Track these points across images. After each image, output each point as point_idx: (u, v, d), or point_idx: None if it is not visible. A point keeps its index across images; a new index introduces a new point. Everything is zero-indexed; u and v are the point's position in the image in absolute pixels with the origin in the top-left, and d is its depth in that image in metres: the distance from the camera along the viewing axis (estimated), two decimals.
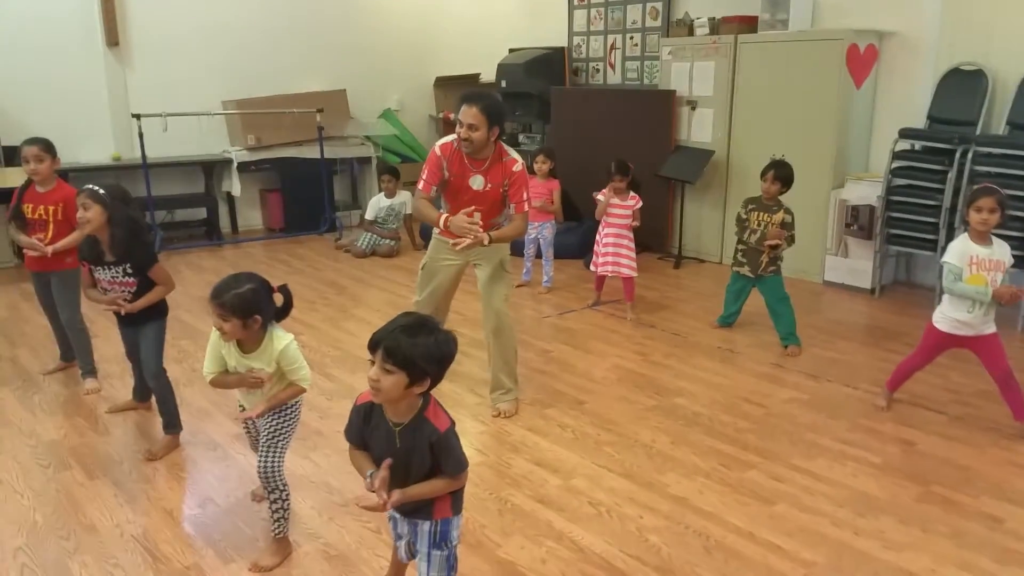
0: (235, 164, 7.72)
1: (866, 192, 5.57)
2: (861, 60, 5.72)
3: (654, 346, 4.73)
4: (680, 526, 2.84)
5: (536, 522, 2.87)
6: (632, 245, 5.24)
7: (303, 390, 2.67)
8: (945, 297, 3.51)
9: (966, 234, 3.47)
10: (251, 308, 2.48)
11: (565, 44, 8.06)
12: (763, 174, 4.58)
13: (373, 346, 1.91)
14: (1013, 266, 3.52)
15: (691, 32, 6.62)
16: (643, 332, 4.97)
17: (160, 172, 7.19)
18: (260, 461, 2.61)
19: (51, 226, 3.93)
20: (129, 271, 3.30)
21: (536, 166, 5.93)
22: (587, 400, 3.95)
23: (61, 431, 3.64)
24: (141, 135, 6.74)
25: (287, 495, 2.64)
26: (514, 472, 3.24)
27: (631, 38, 7.54)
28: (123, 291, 3.34)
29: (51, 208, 3.92)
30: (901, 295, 5.74)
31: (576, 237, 6.68)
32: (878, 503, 2.98)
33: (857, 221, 5.59)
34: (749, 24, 6.25)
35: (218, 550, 2.71)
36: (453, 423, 2.06)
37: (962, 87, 5.33)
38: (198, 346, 4.72)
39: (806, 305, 5.31)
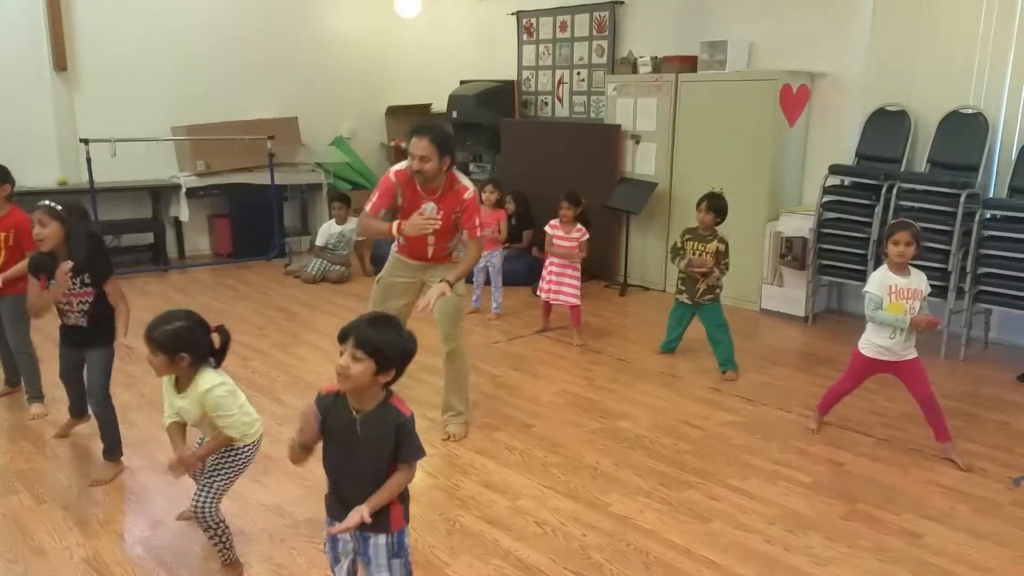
0: (184, 189, 7.70)
1: (799, 224, 5.85)
2: (794, 99, 6.03)
3: (600, 371, 4.88)
4: (622, 543, 2.96)
5: (484, 541, 2.96)
6: (576, 275, 5.41)
7: (227, 440, 2.63)
8: (868, 324, 3.73)
9: (885, 265, 3.70)
10: (178, 345, 2.50)
11: (515, 77, 8.28)
12: (698, 205, 4.81)
13: (343, 336, 2.05)
14: (931, 295, 3.76)
15: (635, 70, 6.88)
16: (589, 358, 5.12)
17: (107, 197, 7.14)
18: (194, 498, 2.63)
19: (2, 251, 3.92)
20: (87, 281, 3.32)
21: (484, 196, 6.08)
22: (535, 423, 4.07)
23: (7, 456, 3.61)
24: (89, 160, 6.70)
25: (223, 529, 2.67)
26: (463, 494, 3.33)
27: (578, 74, 7.79)
28: (79, 302, 3.34)
29: (2, 235, 3.91)
30: (833, 323, 6.01)
31: (523, 264, 6.83)
32: (807, 520, 3.15)
33: (791, 252, 5.86)
34: (689, 63, 6.53)
35: (170, 571, 2.74)
36: (413, 415, 2.15)
37: (887, 126, 5.66)
38: (144, 370, 4.65)
39: (744, 331, 5.53)
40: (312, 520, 3.08)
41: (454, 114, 7.93)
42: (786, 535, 3.04)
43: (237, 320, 5.89)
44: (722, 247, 4.77)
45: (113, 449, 3.49)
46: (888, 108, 5.67)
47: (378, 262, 7.48)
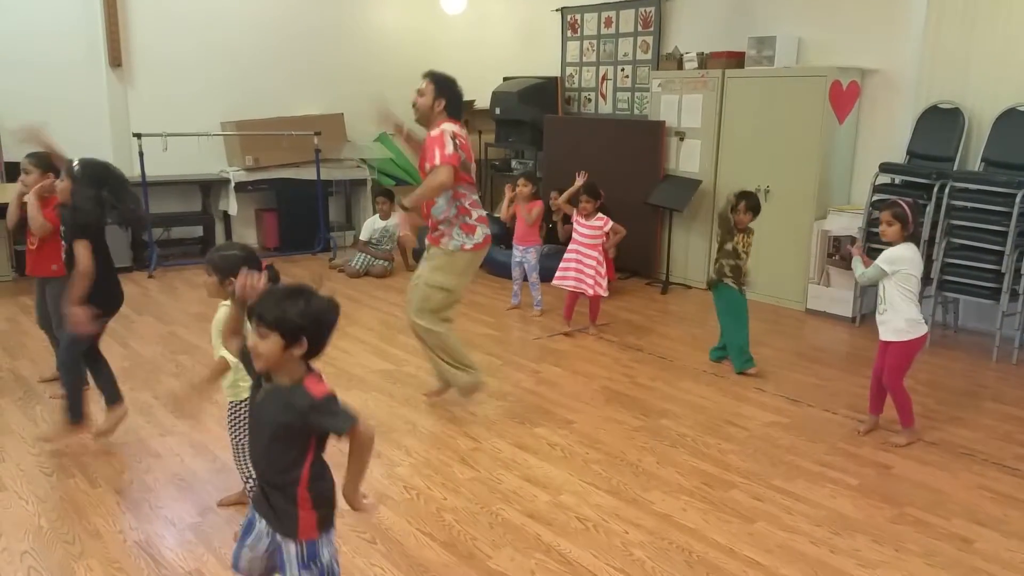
0: (232, 184, 7.85)
1: (847, 223, 5.75)
2: (844, 96, 5.93)
3: (641, 369, 4.86)
4: (664, 541, 2.95)
5: (526, 535, 2.98)
6: (598, 266, 5.38)
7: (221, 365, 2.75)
8: None
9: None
10: (229, 269, 2.61)
11: (558, 74, 8.27)
12: (733, 208, 4.60)
13: (248, 316, 1.94)
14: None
15: (680, 66, 6.83)
16: (630, 355, 5.10)
17: (159, 190, 7.30)
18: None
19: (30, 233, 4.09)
20: (63, 234, 3.51)
21: (518, 188, 6.10)
22: (575, 420, 4.07)
23: (63, 441, 3.72)
24: (141, 154, 6.86)
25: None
26: (504, 487, 3.35)
27: (622, 70, 7.75)
28: (64, 248, 3.50)
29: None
30: None
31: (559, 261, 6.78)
32: (854, 523, 3.10)
33: (839, 251, 5.77)
34: (736, 59, 6.46)
35: (219, 556, 2.80)
36: (334, 394, 1.97)
37: (940, 124, 5.54)
38: (195, 360, 4.82)
39: (789, 332, 5.47)
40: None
41: (497, 111, 7.96)
42: (832, 537, 3.00)
43: None
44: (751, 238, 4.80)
45: (69, 411, 3.56)
46: (941, 105, 5.55)
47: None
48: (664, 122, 6.90)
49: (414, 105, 3.86)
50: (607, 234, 5.47)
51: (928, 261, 5.27)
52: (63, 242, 3.52)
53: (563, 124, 7.89)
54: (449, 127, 3.82)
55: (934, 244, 5.26)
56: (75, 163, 3.47)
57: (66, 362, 3.58)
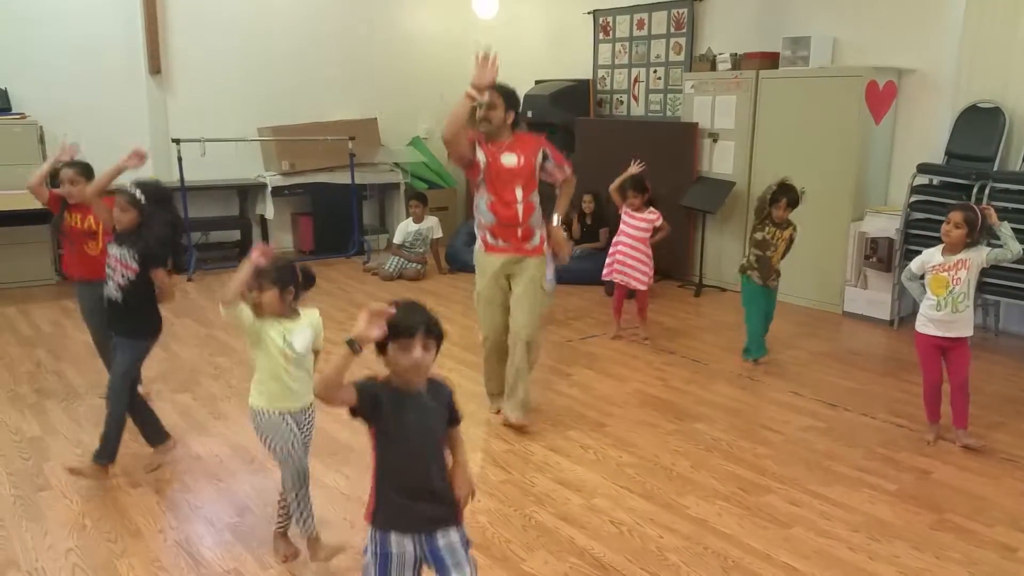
0: (269, 188, 7.96)
1: (885, 225, 5.67)
2: (880, 96, 5.85)
3: (674, 372, 4.83)
4: (699, 547, 2.94)
5: (559, 538, 2.98)
6: (648, 260, 5.35)
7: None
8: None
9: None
10: (288, 280, 2.72)
11: (590, 76, 8.26)
12: (772, 202, 4.65)
13: (408, 333, 2.05)
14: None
15: (713, 67, 6.78)
16: (663, 358, 5.08)
17: (197, 195, 7.43)
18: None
19: (100, 237, 4.08)
20: (135, 258, 3.34)
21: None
22: (608, 423, 4.07)
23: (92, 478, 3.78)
24: (180, 159, 6.99)
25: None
26: (537, 490, 3.36)
27: (654, 71, 7.72)
28: (122, 272, 3.37)
29: (90, 217, 4.02)
30: None
31: (597, 264, 6.78)
32: (893, 529, 3.06)
33: (876, 253, 5.69)
34: (771, 60, 6.40)
35: (256, 556, 2.85)
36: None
37: (980, 124, 5.44)
38: (233, 362, 4.90)
39: (826, 335, 5.41)
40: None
41: (529, 113, 7.95)
42: (871, 543, 2.96)
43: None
44: (794, 234, 4.79)
45: (107, 453, 3.35)
46: (981, 105, 5.45)
47: (454, 260, 7.63)
48: (697, 123, 6.86)
49: (487, 119, 3.91)
50: (656, 228, 5.42)
51: None
52: (134, 266, 3.37)
53: (595, 126, 7.88)
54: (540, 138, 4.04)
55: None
56: (135, 190, 3.35)
57: (115, 388, 3.38)
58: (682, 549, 2.91)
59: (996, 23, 5.36)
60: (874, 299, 5.82)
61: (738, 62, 6.60)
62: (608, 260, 5.47)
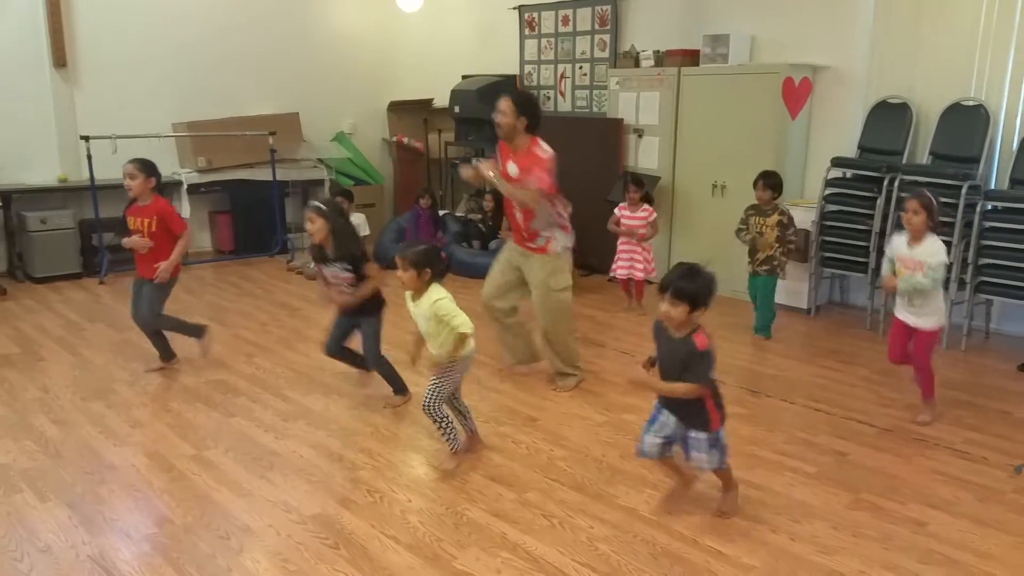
0: (185, 186, 7.69)
1: (802, 217, 5.83)
2: (796, 92, 6.02)
3: (604, 364, 4.88)
4: (628, 535, 2.97)
5: (491, 534, 2.97)
6: (646, 253, 5.91)
7: (462, 337, 3.38)
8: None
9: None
10: (424, 262, 3.38)
11: (517, 72, 8.27)
12: (754, 184, 5.16)
13: (662, 289, 2.85)
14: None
15: (637, 64, 6.87)
16: (593, 351, 5.11)
17: (109, 194, 7.11)
18: (425, 397, 3.42)
19: (146, 236, 4.39)
20: (347, 267, 3.98)
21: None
22: (540, 417, 4.08)
23: (10, 454, 3.61)
24: (90, 157, 6.70)
25: (447, 422, 3.46)
26: (470, 487, 3.34)
27: (580, 68, 7.78)
28: (342, 284, 4.02)
29: (146, 220, 4.38)
30: (835, 314, 6.01)
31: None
32: (813, 510, 3.15)
33: (794, 244, 5.83)
34: (692, 57, 6.52)
35: (178, 568, 2.74)
36: (710, 350, 2.91)
37: (889, 119, 5.66)
38: (150, 367, 4.72)
39: (747, 324, 5.54)
40: (319, 516, 3.09)
41: (456, 109, 7.92)
42: (792, 524, 3.04)
43: (240, 317, 5.90)
44: (784, 219, 5.09)
45: (399, 388, 4.20)
46: (890, 100, 5.67)
47: (381, 258, 7.51)
48: (623, 119, 6.94)
49: (498, 125, 4.11)
50: (648, 224, 5.84)
51: (879, 253, 5.38)
52: (349, 275, 4.01)
53: None
54: (549, 149, 4.15)
55: (884, 236, 5.36)
56: (320, 205, 4.02)
57: (376, 359, 4.15)
58: (612, 538, 2.94)
59: (902, 24, 5.59)
60: (793, 289, 5.99)
61: (661, 59, 6.70)
62: (616, 258, 5.99)
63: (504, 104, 4.11)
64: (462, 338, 3.35)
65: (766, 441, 3.80)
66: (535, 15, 8.04)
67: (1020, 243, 4.88)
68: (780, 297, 6.05)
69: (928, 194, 3.82)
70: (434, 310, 3.35)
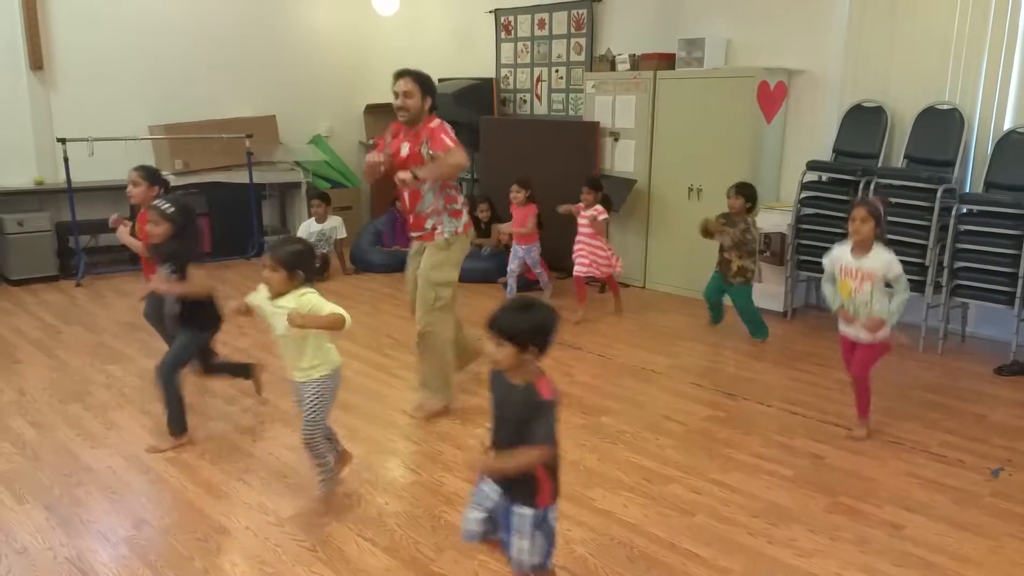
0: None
1: (777, 220, 5.90)
2: (771, 96, 6.09)
3: (581, 367, 4.90)
4: (605, 537, 2.98)
5: None
6: (604, 246, 5.89)
7: (339, 320, 2.91)
8: None
9: (849, 241, 3.78)
10: (296, 263, 2.97)
11: (493, 75, 8.28)
12: (728, 191, 5.21)
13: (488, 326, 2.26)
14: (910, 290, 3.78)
15: (613, 67, 6.91)
16: (570, 354, 5.14)
17: (85, 196, 7.06)
18: (302, 432, 3.03)
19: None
20: (173, 270, 3.70)
21: (512, 195, 6.27)
22: None
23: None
24: (66, 159, 6.63)
25: (327, 460, 3.12)
26: (446, 490, 3.34)
27: (556, 71, 7.81)
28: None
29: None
30: (811, 318, 6.07)
31: (500, 263, 6.79)
32: (790, 513, 3.18)
33: (769, 248, 5.91)
34: (667, 61, 6.56)
35: (155, 570, 2.73)
36: (556, 401, 2.30)
37: (864, 122, 5.73)
38: (126, 371, 4.69)
39: (723, 327, 5.58)
40: (297, 517, 3.08)
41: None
42: (769, 528, 3.07)
43: None
44: (748, 227, 5.13)
45: (176, 426, 3.70)
46: (865, 104, 5.74)
47: (358, 260, 7.52)
48: (599, 123, 6.97)
49: (404, 107, 3.80)
50: (591, 220, 5.84)
51: None
52: (175, 276, 3.77)
53: (499, 125, 7.91)
54: (442, 122, 3.89)
55: None
56: (167, 207, 3.70)
57: (165, 375, 3.66)
58: (588, 541, 2.95)
59: (877, 29, 5.66)
60: (769, 292, 6.04)
61: (636, 63, 6.74)
62: (574, 257, 5.90)
63: (408, 85, 3.78)
64: (338, 318, 2.89)
65: (743, 444, 3.83)
66: (511, 18, 8.07)
67: (995, 246, 4.94)
68: (756, 300, 6.11)
69: (875, 202, 3.72)
70: (301, 303, 2.89)
